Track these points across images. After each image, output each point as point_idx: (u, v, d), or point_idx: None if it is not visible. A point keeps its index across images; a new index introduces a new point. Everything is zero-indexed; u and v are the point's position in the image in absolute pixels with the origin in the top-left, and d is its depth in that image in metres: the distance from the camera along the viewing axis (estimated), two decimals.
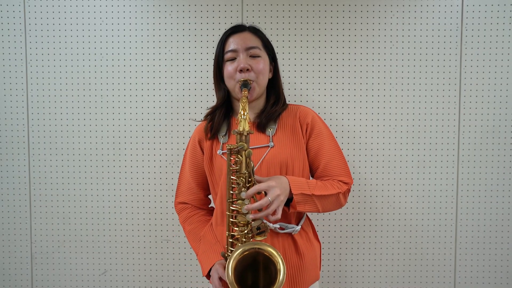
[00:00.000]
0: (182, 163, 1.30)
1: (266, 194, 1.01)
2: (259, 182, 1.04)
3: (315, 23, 1.67)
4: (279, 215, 1.00)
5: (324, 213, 1.68)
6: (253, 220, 1.01)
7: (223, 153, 1.16)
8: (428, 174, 1.69)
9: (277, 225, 1.10)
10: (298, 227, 1.13)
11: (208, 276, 1.14)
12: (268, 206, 0.99)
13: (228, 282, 0.96)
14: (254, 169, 1.03)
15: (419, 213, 1.71)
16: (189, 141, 1.28)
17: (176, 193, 1.30)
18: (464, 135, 1.69)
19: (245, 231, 1.02)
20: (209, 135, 1.20)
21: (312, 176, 1.22)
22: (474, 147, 1.69)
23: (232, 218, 1.04)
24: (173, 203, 1.70)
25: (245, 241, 1.02)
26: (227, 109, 1.22)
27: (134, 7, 1.67)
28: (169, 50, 1.68)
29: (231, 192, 1.04)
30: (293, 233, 1.13)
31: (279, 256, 0.98)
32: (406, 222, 1.71)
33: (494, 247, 1.71)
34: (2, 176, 1.72)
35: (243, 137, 1.02)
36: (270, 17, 1.66)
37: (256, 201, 1.00)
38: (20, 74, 1.69)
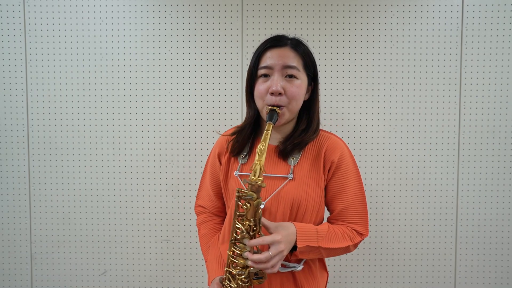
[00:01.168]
0: (205, 167, 1.25)
1: (269, 247, 0.94)
2: (266, 227, 0.98)
3: (315, 23, 1.67)
4: (276, 269, 0.94)
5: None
6: (251, 267, 0.96)
7: (239, 175, 1.09)
8: (428, 174, 1.69)
9: None
10: (300, 267, 1.06)
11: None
12: (268, 260, 0.92)
13: None
14: (261, 219, 0.96)
15: (419, 213, 1.70)
16: (212, 149, 1.22)
17: (197, 195, 1.28)
18: (464, 135, 1.68)
19: (243, 276, 0.98)
20: (230, 152, 1.12)
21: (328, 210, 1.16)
22: (474, 147, 1.69)
23: (233, 258, 1.00)
24: (173, 203, 1.71)
25: (241, 285, 0.99)
26: (254, 127, 1.11)
27: (134, 7, 1.67)
28: (169, 50, 1.68)
29: (234, 234, 0.99)
30: (294, 271, 1.07)
31: None
32: (406, 222, 1.71)
33: (494, 247, 1.71)
34: (2, 176, 1.72)
35: (254, 188, 0.93)
36: (270, 17, 1.66)
37: (258, 251, 0.95)
38: (20, 74, 1.69)
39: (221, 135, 1.19)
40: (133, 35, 1.68)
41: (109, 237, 1.73)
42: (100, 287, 1.74)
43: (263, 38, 1.65)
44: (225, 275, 1.03)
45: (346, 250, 1.07)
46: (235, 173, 1.10)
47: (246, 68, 1.65)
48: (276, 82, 1.00)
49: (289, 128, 1.09)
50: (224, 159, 1.14)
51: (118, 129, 1.70)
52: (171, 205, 1.71)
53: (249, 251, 0.95)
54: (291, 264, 1.05)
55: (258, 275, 0.99)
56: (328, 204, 1.11)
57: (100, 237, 1.73)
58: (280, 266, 1.04)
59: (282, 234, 0.95)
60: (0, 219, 1.73)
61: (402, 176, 1.70)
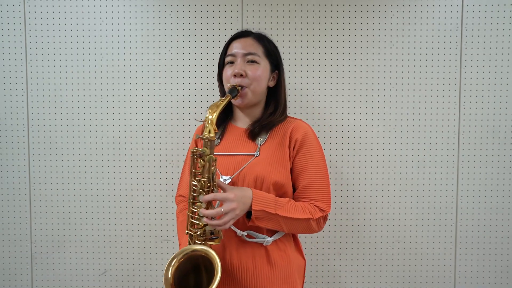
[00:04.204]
0: (185, 160, 1.37)
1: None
2: (222, 188, 1.04)
3: (315, 23, 1.67)
4: (226, 226, 1.01)
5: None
6: (207, 224, 1.03)
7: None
8: (428, 174, 1.69)
9: (244, 233, 1.10)
10: (270, 239, 1.12)
11: None
12: (220, 217, 1.00)
13: None
14: (215, 175, 1.04)
15: (419, 213, 1.71)
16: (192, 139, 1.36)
17: (177, 187, 1.36)
18: (464, 135, 1.69)
19: (198, 233, 1.05)
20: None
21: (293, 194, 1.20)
22: (474, 147, 1.69)
23: (192, 218, 1.06)
24: (173, 203, 1.71)
25: (198, 243, 1.06)
26: (226, 112, 1.26)
27: (134, 7, 1.67)
28: (169, 50, 1.68)
29: (192, 193, 1.06)
30: (264, 244, 1.12)
31: (216, 257, 1.00)
32: (406, 222, 1.71)
33: (494, 247, 1.71)
34: (2, 176, 1.72)
35: (208, 143, 1.03)
36: (270, 17, 1.66)
37: (214, 208, 1.03)
38: (20, 74, 1.69)
39: (200, 124, 1.33)
40: (133, 35, 1.68)
41: (109, 237, 1.73)
42: (100, 287, 1.74)
43: None
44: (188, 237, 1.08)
45: (308, 226, 1.11)
46: None
47: None
48: (238, 66, 1.15)
49: (258, 112, 1.22)
50: (201, 143, 1.23)
51: (118, 129, 1.70)
52: (171, 205, 1.71)
53: (204, 208, 1.02)
54: (260, 235, 1.11)
55: (214, 235, 1.05)
56: (294, 182, 1.16)
57: (100, 237, 1.73)
58: (247, 236, 1.11)
59: (236, 194, 1.02)
60: (0, 219, 1.73)
61: (402, 176, 1.70)
